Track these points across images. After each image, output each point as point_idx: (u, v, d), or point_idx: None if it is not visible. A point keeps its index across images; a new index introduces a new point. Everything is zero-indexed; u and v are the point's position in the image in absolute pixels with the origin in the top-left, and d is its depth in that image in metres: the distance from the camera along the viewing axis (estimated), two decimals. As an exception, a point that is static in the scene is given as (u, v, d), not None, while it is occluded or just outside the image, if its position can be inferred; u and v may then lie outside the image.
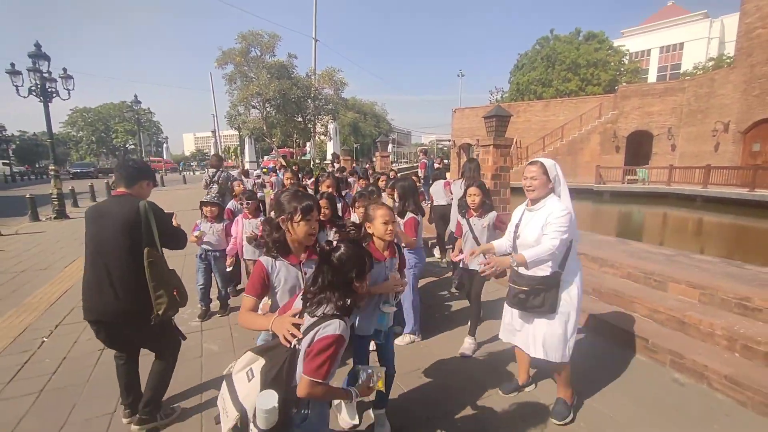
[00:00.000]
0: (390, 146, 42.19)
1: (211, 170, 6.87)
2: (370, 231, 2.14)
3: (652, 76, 45.22)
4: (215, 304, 4.08)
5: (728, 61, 25.43)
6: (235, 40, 18.56)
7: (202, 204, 4.01)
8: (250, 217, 3.77)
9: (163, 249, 2.16)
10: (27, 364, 3.06)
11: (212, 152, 51.90)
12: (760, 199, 13.76)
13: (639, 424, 2.30)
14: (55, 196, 10.53)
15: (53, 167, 10.94)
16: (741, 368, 2.57)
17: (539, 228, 2.13)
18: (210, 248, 3.89)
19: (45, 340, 3.47)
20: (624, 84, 30.11)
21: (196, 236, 3.76)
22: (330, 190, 3.91)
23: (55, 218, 10.37)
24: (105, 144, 60.04)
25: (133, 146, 56.28)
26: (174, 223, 2.37)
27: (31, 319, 3.95)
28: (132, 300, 2.02)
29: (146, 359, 2.31)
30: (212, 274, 3.97)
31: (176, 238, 2.31)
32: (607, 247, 4.86)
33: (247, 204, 3.78)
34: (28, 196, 10.41)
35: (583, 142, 22.19)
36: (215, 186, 6.47)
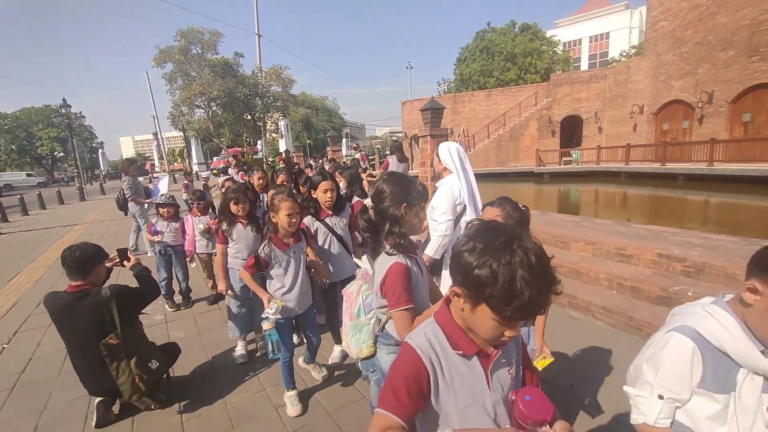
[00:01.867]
0: (344, 140, 42.30)
1: (124, 178, 6.30)
2: (274, 220, 2.29)
3: (584, 64, 48.92)
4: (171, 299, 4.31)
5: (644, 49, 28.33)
6: (173, 38, 17.81)
7: (158, 206, 4.21)
8: (198, 214, 4.06)
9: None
10: (-8, 368, 3.16)
11: (155, 156, 48.91)
12: (670, 171, 15.73)
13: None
14: (-18, 211, 9.80)
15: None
16: (613, 300, 3.32)
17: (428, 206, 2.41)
18: (168, 244, 4.12)
19: (5, 346, 3.55)
20: (557, 72, 32.55)
21: (156, 240, 4.03)
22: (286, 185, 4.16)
23: (-16, 234, 9.66)
24: (28, 153, 54.41)
25: (62, 154, 51.54)
26: (131, 259, 2.52)
27: (-17, 330, 3.94)
28: (112, 379, 2.27)
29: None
30: (173, 269, 4.20)
31: (146, 300, 2.52)
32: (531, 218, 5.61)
33: (198, 204, 4.06)
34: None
35: (523, 128, 23.80)
36: (132, 205, 6.26)
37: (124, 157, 7.92)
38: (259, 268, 2.28)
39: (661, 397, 0.97)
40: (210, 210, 4.27)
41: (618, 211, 13.19)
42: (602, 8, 49.26)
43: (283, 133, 21.78)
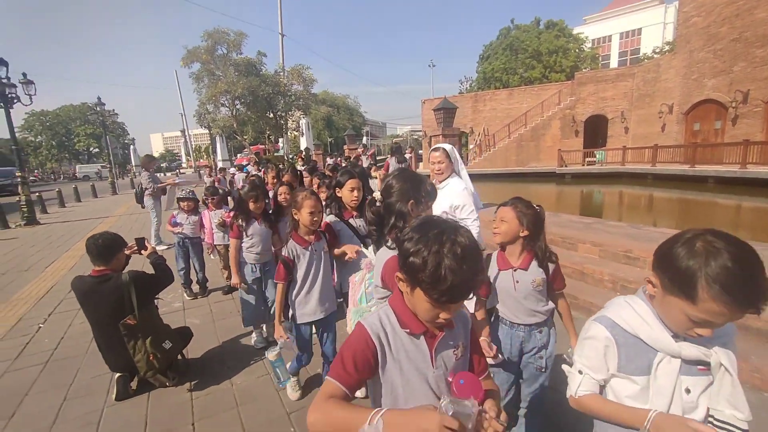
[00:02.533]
0: (364, 139, 42.60)
1: (143, 173, 6.70)
2: (296, 218, 2.26)
3: (614, 61, 47.19)
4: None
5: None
6: (200, 38, 18.48)
7: (179, 200, 4.48)
8: (213, 209, 4.30)
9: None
10: (29, 345, 3.48)
11: (182, 152, 50.63)
12: (700, 173, 15.10)
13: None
14: (24, 203, 10.52)
15: (20, 174, 10.88)
16: (615, 302, 3.31)
17: (446, 206, 2.51)
18: (187, 236, 4.38)
19: (41, 326, 3.89)
20: (585, 69, 31.65)
21: (176, 232, 4.31)
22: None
23: (25, 225, 10.38)
24: (67, 149, 57.54)
25: (97, 150, 54.16)
26: (148, 248, 2.70)
27: (22, 311, 4.32)
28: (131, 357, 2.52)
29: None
30: (190, 260, 4.46)
31: (161, 286, 2.72)
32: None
33: (212, 199, 4.31)
34: (-5, 203, 10.40)
35: (545, 127, 23.32)
36: (147, 198, 6.59)
37: (144, 154, 8.35)
38: (290, 272, 2.23)
39: (581, 372, 1.08)
40: (224, 204, 4.52)
41: (643, 214, 12.80)
42: (634, 3, 47.36)
43: (303, 131, 22.20)
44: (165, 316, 3.75)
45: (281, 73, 19.52)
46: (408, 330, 0.95)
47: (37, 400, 2.64)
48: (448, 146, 2.66)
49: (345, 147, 15.10)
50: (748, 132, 14.58)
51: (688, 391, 0.94)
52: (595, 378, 1.06)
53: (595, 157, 21.19)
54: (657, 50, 33.95)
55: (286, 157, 20.92)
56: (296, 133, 23.71)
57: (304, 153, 17.51)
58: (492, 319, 1.89)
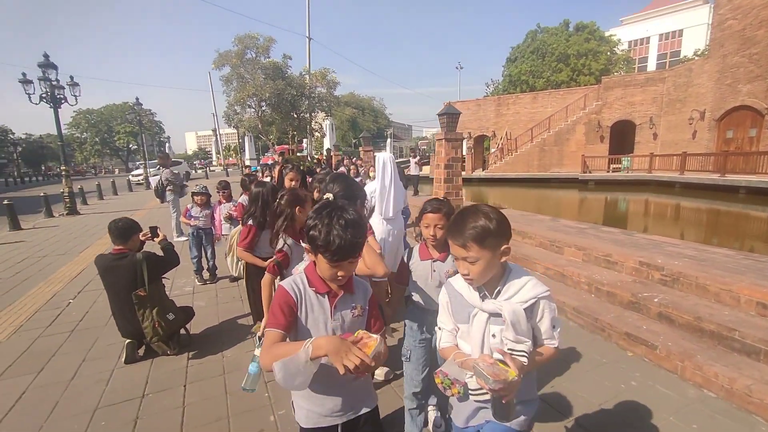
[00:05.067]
0: (388, 140, 42.92)
1: (163, 171, 7.20)
2: (299, 214, 2.37)
3: (651, 64, 45.31)
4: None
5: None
6: (231, 43, 19.42)
7: (194, 194, 4.93)
8: (224, 201, 4.73)
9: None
10: (59, 316, 4.00)
11: (213, 150, 52.67)
12: (731, 183, 14.46)
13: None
14: (66, 195, 11.52)
15: (64, 168, 11.92)
16: (587, 302, 3.46)
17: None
18: (200, 227, 4.83)
19: (71, 301, 4.42)
20: (616, 73, 30.68)
21: (191, 224, 4.77)
22: (294, 183, 4.08)
23: (67, 214, 11.36)
24: (108, 145, 61.26)
25: (135, 147, 57.29)
26: (159, 235, 3.11)
27: (57, 289, 4.90)
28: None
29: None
30: (203, 248, 4.91)
31: (168, 266, 3.09)
32: (538, 223, 5.72)
33: (223, 192, 4.75)
34: (42, 194, 11.44)
35: (569, 132, 22.86)
36: (169, 194, 7.10)
37: (160, 153, 9.00)
38: (281, 268, 2.20)
39: (440, 328, 1.37)
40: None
41: (669, 224, 12.43)
42: (676, 3, 45.20)
43: (326, 132, 22.79)
44: (176, 298, 4.24)
45: (306, 76, 20.16)
46: (314, 289, 1.24)
47: (61, 360, 3.10)
48: (381, 157, 2.77)
49: (361, 149, 15.46)
50: (786, 141, 13.83)
51: (494, 336, 1.21)
52: (447, 329, 1.34)
53: (620, 163, 20.61)
54: (698, 53, 32.29)
55: (309, 158, 21.58)
56: (318, 135, 24.35)
57: (325, 153, 18.05)
58: (407, 304, 2.11)
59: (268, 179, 7.98)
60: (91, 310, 4.14)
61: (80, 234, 8.56)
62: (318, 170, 6.73)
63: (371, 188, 2.87)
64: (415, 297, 2.02)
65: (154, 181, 8.04)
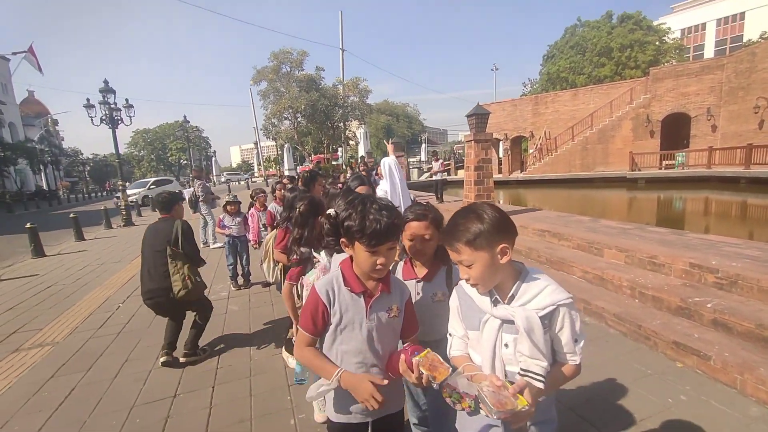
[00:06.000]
0: (423, 146, 42.80)
1: (197, 182, 7.71)
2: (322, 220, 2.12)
3: (708, 51, 41.74)
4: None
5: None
6: (267, 59, 20.36)
7: (227, 203, 5.16)
8: (261, 208, 4.87)
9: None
10: (109, 319, 4.31)
11: (255, 162, 55.13)
12: (808, 176, 12.91)
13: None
14: (123, 207, 12.54)
15: (122, 183, 12.99)
16: (629, 308, 3.18)
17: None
18: (234, 235, 5.03)
19: (120, 305, 4.76)
20: (666, 63, 28.54)
21: (226, 233, 4.98)
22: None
23: (124, 226, 12.34)
24: (162, 161, 66.13)
25: (185, 162, 61.34)
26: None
27: (109, 294, 5.30)
28: (163, 279, 3.10)
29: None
30: (238, 255, 5.10)
31: (193, 253, 3.25)
32: (575, 224, 5.40)
33: (259, 196, 4.92)
34: (102, 208, 12.54)
35: (615, 129, 21.53)
36: (202, 205, 7.52)
37: (195, 166, 9.56)
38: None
39: (450, 334, 1.27)
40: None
41: (735, 223, 11.28)
42: (736, -17, 41.31)
43: (359, 139, 23.14)
44: (213, 302, 4.42)
45: (339, 86, 20.66)
46: (350, 288, 1.23)
47: (107, 360, 3.33)
48: (384, 160, 2.91)
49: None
50: None
51: (506, 345, 1.10)
52: (458, 336, 1.25)
53: (674, 159, 19.06)
54: (766, 35, 29.22)
55: (344, 166, 22.01)
56: (352, 143, 24.77)
57: (359, 161, 18.29)
58: None
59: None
60: (137, 313, 4.42)
61: (134, 243, 9.24)
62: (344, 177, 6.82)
63: (384, 188, 2.92)
64: None
65: (188, 193, 8.51)
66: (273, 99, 19.86)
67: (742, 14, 40.92)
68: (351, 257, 1.26)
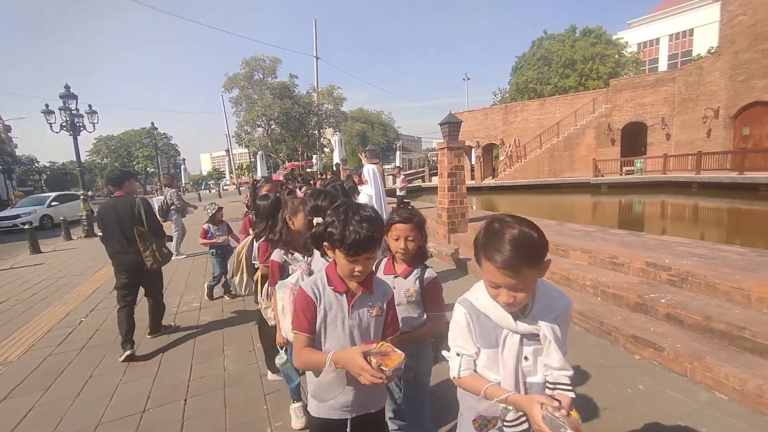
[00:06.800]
0: (397, 153, 43.19)
1: (169, 190, 7.64)
2: (290, 223, 2.19)
3: (662, 65, 44.63)
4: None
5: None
6: (239, 66, 20.07)
7: (217, 212, 4.97)
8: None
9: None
10: (71, 335, 4.09)
11: (227, 170, 53.81)
12: (751, 180, 14.00)
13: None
14: (84, 218, 11.91)
15: (82, 192, 12.36)
16: (592, 306, 3.36)
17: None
18: (220, 245, 4.89)
19: (83, 320, 4.53)
20: (625, 75, 30.29)
21: (216, 242, 4.83)
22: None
23: (85, 237, 11.72)
24: (127, 169, 63.37)
25: (153, 170, 59.07)
26: None
27: (70, 308, 5.03)
28: (137, 254, 3.41)
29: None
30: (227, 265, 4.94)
31: (158, 228, 3.57)
32: (543, 228, 5.59)
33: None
34: (61, 218, 11.87)
35: (579, 137, 22.60)
36: (173, 213, 7.42)
37: (165, 174, 9.38)
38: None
39: (458, 354, 1.17)
40: None
41: (688, 225, 12.06)
42: (685, 3, 44.67)
43: (334, 147, 23.13)
44: (183, 314, 4.33)
45: (313, 94, 20.62)
46: (333, 287, 1.28)
47: (69, 377, 3.17)
48: (366, 167, 3.20)
49: (364, 162, 15.55)
50: (806, 135, 13.36)
51: (526, 358, 1.10)
52: (470, 355, 1.17)
53: (633, 165, 20.21)
54: (712, 51, 31.61)
55: (318, 173, 21.87)
56: (327, 151, 24.70)
57: (334, 168, 18.26)
58: None
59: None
60: (102, 327, 4.22)
61: (97, 254, 8.78)
62: (317, 183, 6.86)
63: (368, 192, 3.06)
64: None
65: (158, 201, 8.30)
66: (245, 106, 19.56)
67: (691, 31, 44.13)
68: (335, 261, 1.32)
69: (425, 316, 1.69)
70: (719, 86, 16.93)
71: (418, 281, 1.66)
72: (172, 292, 5.35)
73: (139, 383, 2.97)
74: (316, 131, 21.58)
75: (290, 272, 2.08)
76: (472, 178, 25.97)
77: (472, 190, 17.94)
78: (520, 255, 0.96)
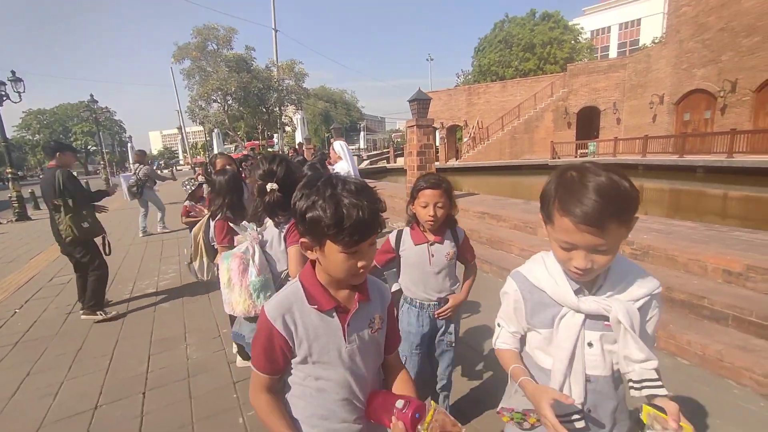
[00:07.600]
0: (361, 134, 42.58)
1: (141, 167, 7.44)
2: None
3: (613, 52, 46.85)
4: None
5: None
6: (190, 35, 18.51)
7: (198, 187, 4.55)
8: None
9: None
10: (1, 328, 3.63)
11: (179, 149, 50.66)
12: (689, 163, 15.18)
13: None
14: (15, 199, 10.67)
15: (10, 170, 11.02)
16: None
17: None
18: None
19: (17, 311, 4.04)
20: (580, 61, 31.52)
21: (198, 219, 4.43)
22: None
23: (16, 220, 10.53)
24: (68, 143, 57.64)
25: (94, 147, 54.25)
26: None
27: (1, 298, 4.48)
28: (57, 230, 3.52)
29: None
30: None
31: (79, 196, 3.58)
32: (511, 207, 5.74)
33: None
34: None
35: (538, 120, 23.37)
36: (150, 192, 7.30)
37: (136, 150, 8.75)
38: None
39: (499, 325, 1.11)
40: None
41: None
42: (634, -7, 46.79)
43: (297, 125, 22.28)
44: (138, 300, 4.01)
45: (272, 69, 19.55)
46: (317, 306, 0.91)
47: (1, 376, 2.80)
48: (336, 143, 3.22)
49: (332, 140, 15.17)
50: (737, 121, 14.63)
51: (590, 345, 0.93)
52: (509, 330, 1.08)
53: (587, 148, 21.29)
54: (656, 40, 33.63)
55: (280, 152, 21.03)
56: (289, 129, 23.78)
57: (297, 147, 17.63)
58: (401, 303, 1.81)
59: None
60: (41, 319, 3.79)
61: (31, 240, 7.94)
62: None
63: (342, 168, 2.99)
64: (409, 290, 1.76)
65: (126, 180, 7.90)
66: (199, 79, 18.14)
67: (639, 20, 46.63)
68: (313, 263, 0.94)
69: (457, 280, 1.82)
70: (665, 74, 18.02)
71: (453, 241, 1.74)
72: (124, 276, 4.95)
73: (88, 378, 2.68)
74: (277, 108, 20.59)
75: (236, 243, 1.86)
76: (437, 159, 26.20)
77: (436, 171, 18.13)
78: (608, 206, 0.78)
